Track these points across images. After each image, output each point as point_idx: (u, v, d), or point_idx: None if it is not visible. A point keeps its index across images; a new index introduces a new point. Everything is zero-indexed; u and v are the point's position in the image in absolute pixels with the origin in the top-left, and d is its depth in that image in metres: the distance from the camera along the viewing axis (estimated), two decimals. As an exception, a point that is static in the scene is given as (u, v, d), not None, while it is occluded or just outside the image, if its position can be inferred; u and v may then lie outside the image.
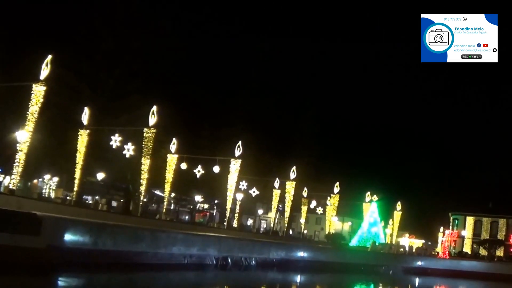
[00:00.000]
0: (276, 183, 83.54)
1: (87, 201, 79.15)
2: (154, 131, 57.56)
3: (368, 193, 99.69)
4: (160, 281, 41.65)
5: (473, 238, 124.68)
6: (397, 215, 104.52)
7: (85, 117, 55.73)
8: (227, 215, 72.59)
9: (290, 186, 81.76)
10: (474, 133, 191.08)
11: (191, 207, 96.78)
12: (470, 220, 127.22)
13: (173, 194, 75.93)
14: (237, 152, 66.83)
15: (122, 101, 68.80)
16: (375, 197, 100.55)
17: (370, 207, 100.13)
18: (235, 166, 67.41)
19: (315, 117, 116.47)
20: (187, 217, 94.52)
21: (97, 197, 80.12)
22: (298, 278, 59.35)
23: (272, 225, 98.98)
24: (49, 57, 45.11)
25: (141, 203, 63.13)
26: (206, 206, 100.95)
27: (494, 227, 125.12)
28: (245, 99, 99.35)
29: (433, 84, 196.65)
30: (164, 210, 71.89)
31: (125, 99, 68.92)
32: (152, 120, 56.86)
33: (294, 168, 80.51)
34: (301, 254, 67.84)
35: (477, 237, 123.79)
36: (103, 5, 70.67)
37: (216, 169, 68.31)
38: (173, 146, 65.25)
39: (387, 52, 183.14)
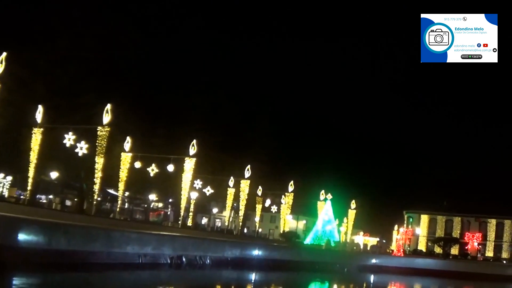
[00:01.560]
0: (231, 182, 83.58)
1: (41, 200, 78.26)
2: (108, 129, 57.19)
3: (323, 191, 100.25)
4: (114, 281, 41.52)
5: (428, 236, 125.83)
6: (352, 213, 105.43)
7: (39, 115, 55.22)
8: (182, 214, 72.48)
9: (245, 185, 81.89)
10: (428, 132, 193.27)
11: (146, 206, 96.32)
12: (425, 218, 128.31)
13: (127, 193, 75.52)
14: (192, 151, 66.85)
15: (77, 99, 68.23)
16: (329, 196, 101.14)
17: (325, 205, 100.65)
18: (189, 164, 67.38)
19: (270, 116, 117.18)
20: (141, 216, 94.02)
21: (51, 196, 79.41)
22: (253, 276, 59.51)
23: (226, 223, 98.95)
24: (4, 54, 44.70)
25: (95, 202, 62.66)
26: (160, 205, 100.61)
27: (449, 225, 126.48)
28: (200, 98, 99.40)
29: (389, 82, 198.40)
30: (118, 209, 71.51)
31: (80, 97, 68.37)
32: (107, 118, 56.52)
33: (248, 166, 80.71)
34: (256, 252, 68.14)
35: (432, 235, 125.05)
36: (59, 3, 70.11)
37: (171, 167, 68.11)
38: (127, 145, 64.95)
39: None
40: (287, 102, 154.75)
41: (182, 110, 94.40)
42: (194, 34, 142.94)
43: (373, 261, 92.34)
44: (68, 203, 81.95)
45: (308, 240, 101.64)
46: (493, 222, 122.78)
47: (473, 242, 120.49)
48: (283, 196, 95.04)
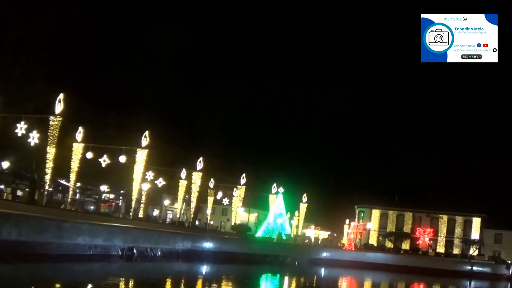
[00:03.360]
0: (183, 174, 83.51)
1: (-8, 191, 77.33)
2: (60, 119, 56.71)
3: (275, 184, 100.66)
4: (64, 272, 41.28)
5: (379, 230, 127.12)
6: (303, 206, 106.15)
7: (-11, 104, 54.52)
8: (133, 205, 72.34)
9: (197, 177, 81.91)
10: (381, 127, 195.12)
11: (97, 197, 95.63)
12: (376, 213, 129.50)
13: (78, 184, 74.84)
14: (144, 142, 66.74)
15: (29, 88, 67.41)
16: (281, 189, 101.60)
17: (276, 198, 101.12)
18: (141, 156, 67.31)
19: (223, 108, 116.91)
20: (92, 207, 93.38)
21: (2, 186, 78.33)
22: (203, 269, 59.66)
23: (178, 215, 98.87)
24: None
25: (46, 193, 62.24)
26: (112, 196, 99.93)
27: (400, 220, 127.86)
28: (153, 89, 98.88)
29: (342, 76, 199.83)
30: (69, 200, 71.06)
31: (32, 86, 67.55)
32: (59, 108, 56.07)
33: (201, 159, 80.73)
34: (207, 244, 68.31)
35: (383, 230, 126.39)
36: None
37: (122, 158, 67.70)
38: (79, 135, 64.44)
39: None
40: (240, 95, 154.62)
41: (135, 101, 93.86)
42: (146, 23, 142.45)
43: (324, 254, 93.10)
44: (19, 193, 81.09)
45: (259, 233, 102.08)
46: (444, 218, 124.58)
47: (424, 237, 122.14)
48: (235, 189, 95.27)
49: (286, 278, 64.05)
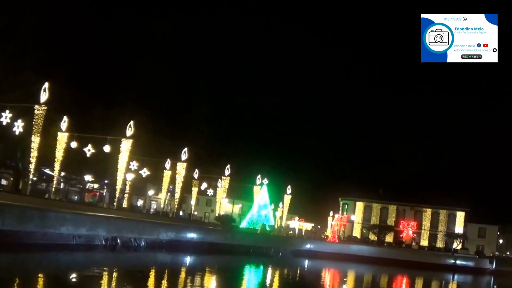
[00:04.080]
0: (167, 164, 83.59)
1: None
2: (45, 108, 56.63)
3: (259, 176, 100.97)
4: (48, 262, 41.36)
5: (363, 223, 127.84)
6: (287, 198, 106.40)
7: (-26, 93, 54.45)
8: (117, 195, 72.39)
9: (181, 168, 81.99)
10: (366, 120, 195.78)
11: (81, 186, 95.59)
12: (360, 206, 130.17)
13: (63, 173, 74.82)
14: (129, 132, 66.73)
15: (15, 77, 67.28)
16: (265, 180, 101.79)
17: (261, 190, 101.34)
18: (126, 145, 67.29)
19: (208, 99, 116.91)
20: (76, 197, 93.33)
21: (-15, 175, 78.30)
22: (187, 260, 59.82)
23: (162, 206, 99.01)
24: None
25: (30, 182, 62.18)
26: (96, 186, 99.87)
27: (384, 213, 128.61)
28: (138, 79, 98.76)
29: (321, 67, 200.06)
30: (53, 189, 70.91)
31: (17, 75, 67.44)
32: (44, 97, 56.00)
33: (185, 149, 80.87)
34: (191, 235, 68.41)
35: (367, 222, 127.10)
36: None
37: (107, 148, 67.79)
38: (64, 124, 64.33)
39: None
40: (225, 86, 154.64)
41: (120, 91, 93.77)
42: (133, 14, 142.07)
43: (308, 246, 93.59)
44: (3, 182, 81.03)
45: (243, 224, 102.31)
46: (428, 212, 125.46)
47: (408, 230, 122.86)
48: (219, 180, 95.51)
49: (269, 269, 64.32)
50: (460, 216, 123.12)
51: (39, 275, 33.04)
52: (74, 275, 35.98)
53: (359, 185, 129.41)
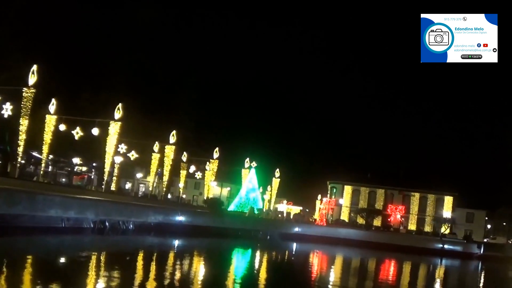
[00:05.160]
0: (156, 147, 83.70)
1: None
2: (34, 91, 56.63)
3: (247, 159, 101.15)
4: (36, 245, 41.39)
5: (351, 207, 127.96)
6: (276, 181, 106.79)
7: (-38, 75, 54.25)
8: (106, 178, 72.38)
9: (170, 150, 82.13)
10: (354, 104, 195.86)
11: (69, 169, 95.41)
12: (348, 189, 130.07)
13: (51, 156, 74.66)
14: (117, 115, 66.69)
15: (3, 59, 67.00)
16: (254, 164, 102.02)
17: (249, 173, 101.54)
18: (114, 128, 67.34)
19: (196, 82, 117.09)
20: (65, 180, 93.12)
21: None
22: (175, 242, 59.97)
23: (150, 189, 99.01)
24: None
25: (18, 165, 62.10)
26: (84, 168, 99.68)
27: (372, 197, 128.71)
28: (126, 62, 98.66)
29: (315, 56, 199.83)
30: (41, 172, 70.85)
31: (6, 57, 67.16)
32: (32, 79, 55.90)
33: (174, 132, 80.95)
34: (179, 218, 68.49)
35: (355, 206, 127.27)
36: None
37: (95, 131, 67.72)
38: (52, 107, 64.23)
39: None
40: (213, 69, 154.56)
41: (109, 74, 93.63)
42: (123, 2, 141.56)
43: (296, 229, 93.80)
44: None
45: (231, 207, 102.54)
46: (416, 196, 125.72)
47: (395, 214, 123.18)
48: (207, 163, 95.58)
49: (258, 252, 64.58)
50: (448, 200, 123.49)
51: (27, 257, 33.08)
52: (62, 258, 36.05)
53: (347, 169, 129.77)
